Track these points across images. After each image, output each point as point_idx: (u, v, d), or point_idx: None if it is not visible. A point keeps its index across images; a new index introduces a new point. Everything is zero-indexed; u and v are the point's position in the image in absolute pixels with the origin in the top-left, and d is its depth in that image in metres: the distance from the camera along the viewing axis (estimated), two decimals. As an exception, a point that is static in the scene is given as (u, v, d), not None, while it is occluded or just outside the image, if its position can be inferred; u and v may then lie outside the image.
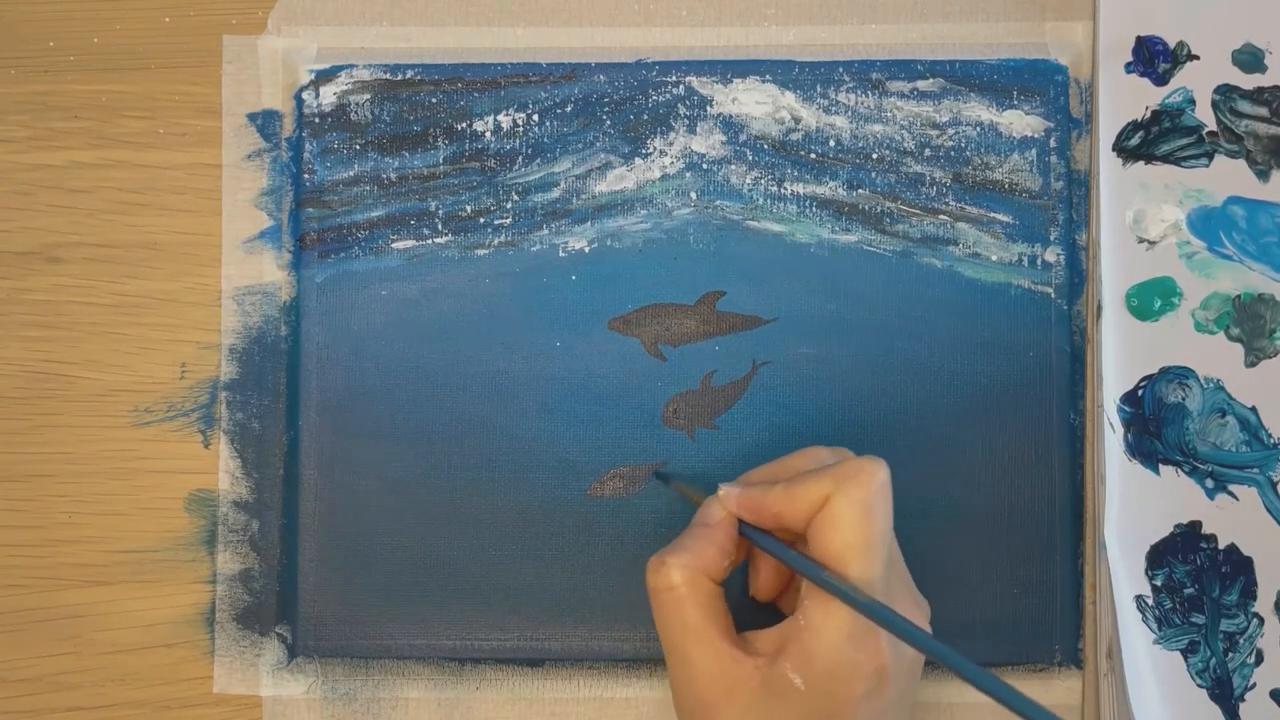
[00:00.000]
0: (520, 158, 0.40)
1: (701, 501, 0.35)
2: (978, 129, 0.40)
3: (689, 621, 0.32)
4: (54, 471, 0.40)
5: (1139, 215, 0.39)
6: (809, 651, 0.31)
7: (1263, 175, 0.39)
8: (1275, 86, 0.39)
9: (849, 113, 0.40)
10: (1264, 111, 0.39)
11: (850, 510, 0.31)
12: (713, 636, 0.32)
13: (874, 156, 0.40)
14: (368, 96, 0.40)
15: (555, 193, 0.40)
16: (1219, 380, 0.38)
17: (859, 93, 0.40)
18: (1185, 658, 0.38)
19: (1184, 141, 0.39)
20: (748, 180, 0.40)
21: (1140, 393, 0.39)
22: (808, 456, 0.35)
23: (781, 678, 0.31)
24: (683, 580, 0.32)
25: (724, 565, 0.33)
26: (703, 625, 0.32)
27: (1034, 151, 0.40)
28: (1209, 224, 0.39)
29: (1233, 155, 0.39)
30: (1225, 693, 0.38)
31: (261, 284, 0.40)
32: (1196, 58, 0.39)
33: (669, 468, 0.39)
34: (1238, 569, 0.38)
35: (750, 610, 0.37)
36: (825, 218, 0.40)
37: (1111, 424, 0.39)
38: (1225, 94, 0.39)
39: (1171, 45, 0.39)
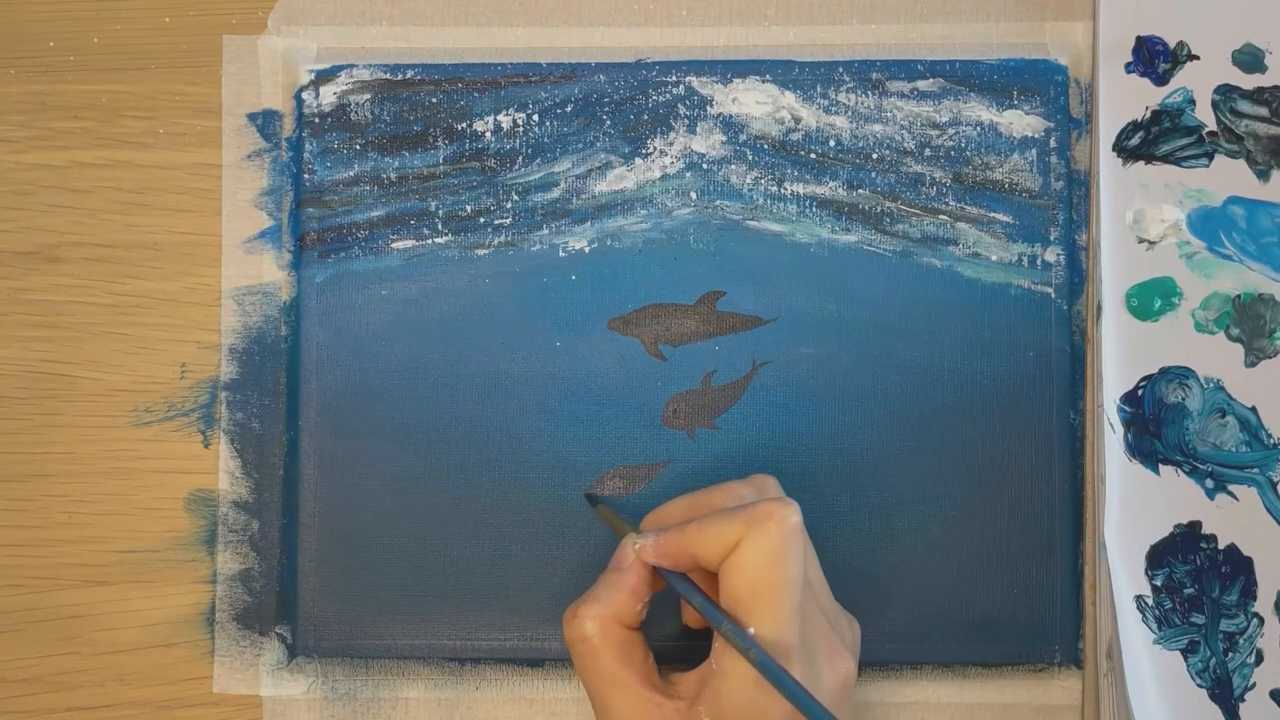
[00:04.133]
0: (520, 158, 0.40)
1: (621, 532, 0.35)
2: (978, 129, 0.40)
3: (605, 670, 0.33)
4: (54, 471, 0.40)
5: (1139, 215, 0.39)
6: (720, 696, 0.31)
7: (1263, 175, 0.39)
8: (1275, 86, 0.39)
9: (849, 113, 0.40)
10: (1264, 111, 0.39)
11: (758, 556, 0.31)
12: (631, 682, 0.32)
13: (874, 156, 0.40)
14: (368, 96, 0.40)
15: (555, 193, 0.40)
16: (1219, 380, 0.38)
17: (859, 93, 0.40)
18: (1185, 658, 0.38)
19: (1184, 141, 0.39)
20: (748, 180, 0.40)
21: (1140, 393, 0.39)
22: (727, 492, 0.34)
23: None
24: (595, 630, 0.33)
25: (636, 610, 0.34)
26: (619, 672, 0.33)
27: (1034, 151, 0.40)
28: (1209, 224, 0.39)
29: (1233, 155, 0.39)
30: (1225, 693, 0.38)
31: (261, 284, 0.40)
32: (1196, 58, 0.39)
33: (596, 492, 0.39)
34: (1238, 569, 0.38)
35: (693, 636, 0.37)
36: (825, 218, 0.40)
37: (1111, 424, 0.39)
38: (1225, 94, 0.39)
39: (1171, 45, 0.39)
